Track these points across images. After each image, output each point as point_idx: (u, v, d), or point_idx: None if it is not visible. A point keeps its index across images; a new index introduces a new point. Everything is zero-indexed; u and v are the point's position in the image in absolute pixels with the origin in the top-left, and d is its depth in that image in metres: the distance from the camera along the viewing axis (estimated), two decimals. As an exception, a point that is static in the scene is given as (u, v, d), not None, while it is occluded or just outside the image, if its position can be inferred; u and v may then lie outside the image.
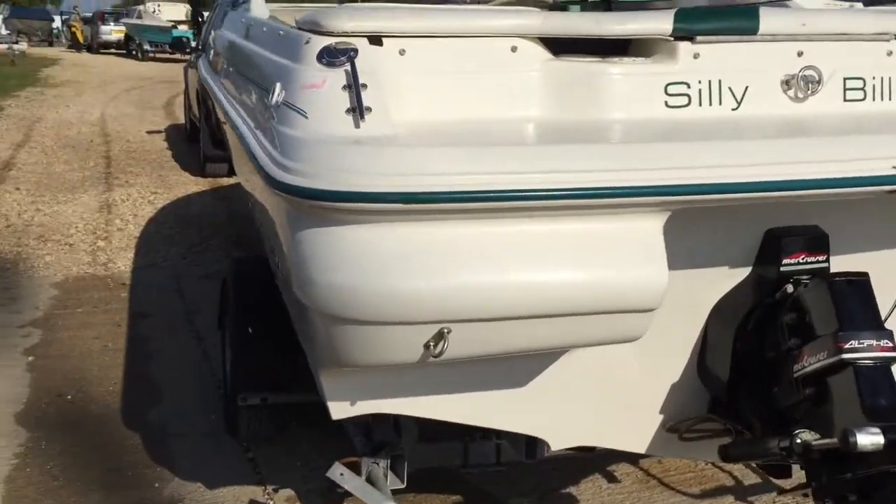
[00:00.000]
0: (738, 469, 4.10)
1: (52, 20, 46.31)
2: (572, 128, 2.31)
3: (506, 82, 2.36)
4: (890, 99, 2.61)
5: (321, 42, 2.23)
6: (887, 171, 2.09)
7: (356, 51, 2.20)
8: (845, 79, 2.55)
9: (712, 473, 4.13)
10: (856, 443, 2.04)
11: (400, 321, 1.97)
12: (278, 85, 2.30)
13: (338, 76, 2.13)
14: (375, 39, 2.25)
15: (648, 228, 2.05)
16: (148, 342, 5.52)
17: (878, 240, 2.69)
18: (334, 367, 2.23)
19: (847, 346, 2.21)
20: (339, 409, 2.44)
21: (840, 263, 2.69)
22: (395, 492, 3.10)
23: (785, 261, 2.52)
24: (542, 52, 2.41)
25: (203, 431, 4.34)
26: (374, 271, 1.92)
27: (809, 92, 2.50)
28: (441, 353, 1.98)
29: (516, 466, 3.60)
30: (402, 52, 2.28)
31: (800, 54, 2.50)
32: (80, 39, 39.70)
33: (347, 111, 2.05)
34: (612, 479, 4.07)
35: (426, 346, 1.98)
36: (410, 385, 2.42)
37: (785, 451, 2.23)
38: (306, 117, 2.09)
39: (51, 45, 43.05)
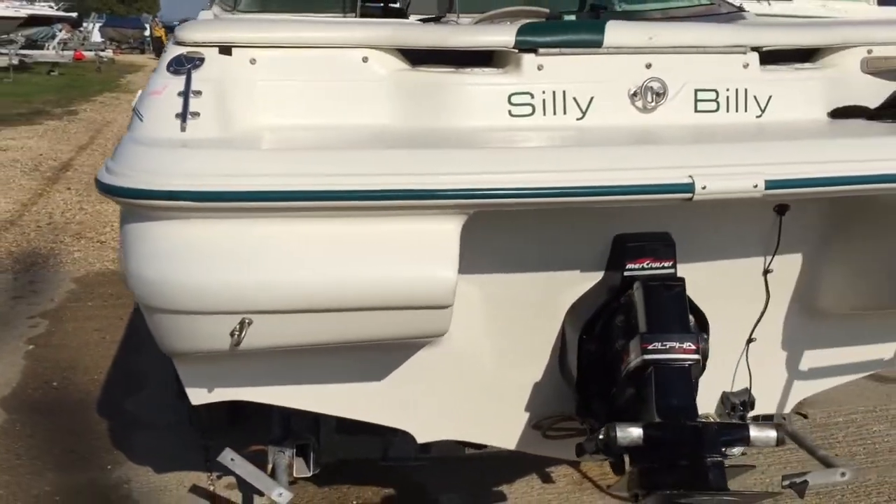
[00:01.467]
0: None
1: (145, 28, 48.14)
2: (414, 136, 2.43)
3: (355, 91, 2.49)
4: (746, 111, 2.65)
5: (176, 52, 2.41)
6: (680, 180, 2.15)
7: (202, 60, 2.37)
8: (696, 90, 2.60)
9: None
10: (615, 437, 2.12)
11: (202, 311, 2.13)
12: (139, 92, 2.49)
13: (177, 83, 2.30)
14: (225, 49, 2.42)
15: (442, 230, 2.15)
16: (144, 335, 5.79)
17: (733, 247, 2.74)
18: (171, 354, 2.41)
19: (650, 347, 2.27)
20: (197, 395, 2.61)
21: (695, 270, 2.75)
22: (308, 479, 3.24)
23: (629, 265, 2.59)
24: (395, 63, 2.53)
25: (170, 421, 4.57)
26: (176, 264, 2.09)
27: (656, 103, 2.56)
28: (240, 342, 2.13)
29: (448, 462, 3.72)
30: (252, 62, 2.44)
31: (648, 66, 2.57)
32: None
33: (176, 116, 2.22)
34: (546, 479, 4.15)
35: (231, 335, 2.14)
36: (265, 373, 2.57)
37: (600, 447, 2.30)
38: (142, 121, 2.28)
39: (142, 52, 44.93)
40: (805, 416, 4.83)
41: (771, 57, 2.73)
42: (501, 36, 2.51)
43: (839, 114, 2.70)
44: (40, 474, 4.04)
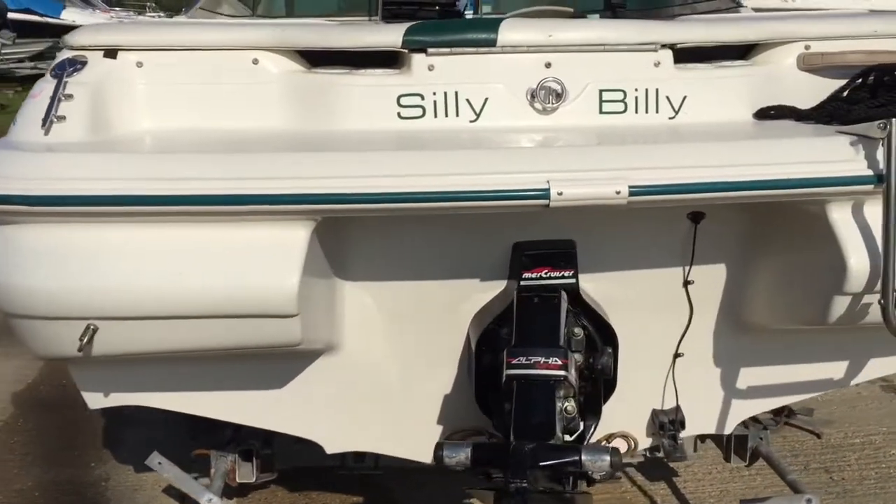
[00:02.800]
0: (662, 491, 3.96)
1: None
2: (296, 139, 2.38)
3: (244, 94, 2.46)
4: (657, 111, 2.49)
5: (63, 56, 2.44)
6: (535, 186, 2.03)
7: (84, 63, 2.38)
8: (601, 90, 2.46)
9: (633, 497, 3.99)
10: (441, 458, 2.01)
11: (47, 316, 2.13)
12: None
13: (51, 87, 2.32)
14: (110, 53, 2.42)
15: (285, 236, 2.09)
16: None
17: (649, 257, 2.58)
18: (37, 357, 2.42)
19: (514, 361, 2.16)
20: (94, 400, 2.62)
21: (608, 281, 2.61)
22: (276, 483, 3.20)
23: (525, 275, 2.47)
24: (288, 64, 2.49)
25: (164, 420, 4.62)
26: (17, 269, 2.09)
27: (556, 104, 2.44)
28: (87, 348, 2.12)
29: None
30: (139, 65, 2.44)
31: (548, 65, 2.44)
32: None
33: (43, 120, 2.24)
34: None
35: (80, 340, 2.13)
36: (159, 379, 2.55)
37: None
38: (16, 125, 2.30)
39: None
40: (819, 436, 4.54)
41: (697, 55, 2.56)
42: (389, 36, 2.43)
43: (765, 114, 2.51)
44: (27, 469, 4.17)
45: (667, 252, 2.56)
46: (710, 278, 2.60)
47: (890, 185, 2.09)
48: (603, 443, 2.69)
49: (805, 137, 2.29)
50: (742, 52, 2.65)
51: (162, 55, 2.46)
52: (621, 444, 2.76)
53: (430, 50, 2.42)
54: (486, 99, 2.44)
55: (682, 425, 2.77)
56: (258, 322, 2.11)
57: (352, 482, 3.94)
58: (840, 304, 2.25)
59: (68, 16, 19.40)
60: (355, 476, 3.81)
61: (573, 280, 2.48)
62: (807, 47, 2.59)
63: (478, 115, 2.44)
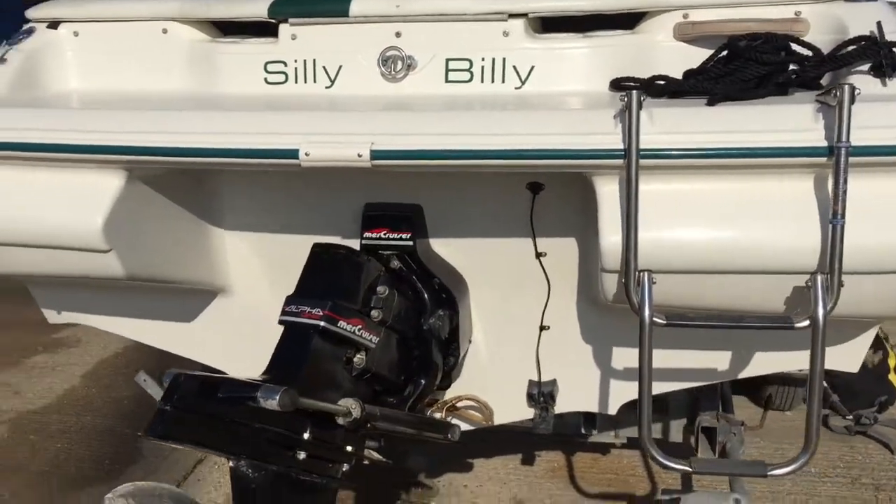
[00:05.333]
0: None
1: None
2: (179, 99, 2.66)
3: (154, 60, 2.79)
4: (503, 81, 2.47)
5: (22, 27, 2.91)
6: (285, 146, 2.15)
7: (29, 31, 2.84)
8: (448, 59, 2.49)
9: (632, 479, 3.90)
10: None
11: None
12: None
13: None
14: (53, 24, 2.86)
15: (99, 182, 2.39)
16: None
17: (498, 226, 2.58)
18: None
19: (287, 308, 2.29)
20: (50, 316, 3.11)
21: (459, 247, 2.66)
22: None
23: (365, 234, 2.59)
24: (194, 34, 2.78)
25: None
26: None
27: (405, 73, 2.51)
28: None
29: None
30: (76, 34, 2.85)
31: (398, 35, 2.51)
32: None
33: None
34: (526, 461, 4.08)
35: None
36: (99, 304, 2.97)
37: None
38: None
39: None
40: (892, 451, 4.09)
41: (577, 24, 2.50)
42: (257, 8, 2.63)
43: (617, 85, 2.40)
44: (61, 466, 4.23)
45: (514, 222, 2.54)
46: (562, 251, 2.54)
47: (630, 160, 1.98)
48: (448, 405, 2.74)
49: (579, 111, 2.23)
50: (632, 20, 2.54)
51: (94, 26, 2.85)
52: (472, 409, 2.79)
53: (292, 20, 2.60)
54: (341, 66, 2.58)
55: (552, 398, 2.73)
56: (82, 254, 2.44)
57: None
58: (608, 282, 2.15)
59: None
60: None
61: (410, 243, 2.56)
62: (685, 16, 2.43)
63: (332, 82, 2.59)
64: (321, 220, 2.70)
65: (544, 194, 2.48)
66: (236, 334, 2.96)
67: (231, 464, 2.11)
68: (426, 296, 2.56)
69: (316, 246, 2.44)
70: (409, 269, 2.57)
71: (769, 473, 2.13)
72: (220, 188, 2.72)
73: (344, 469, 2.31)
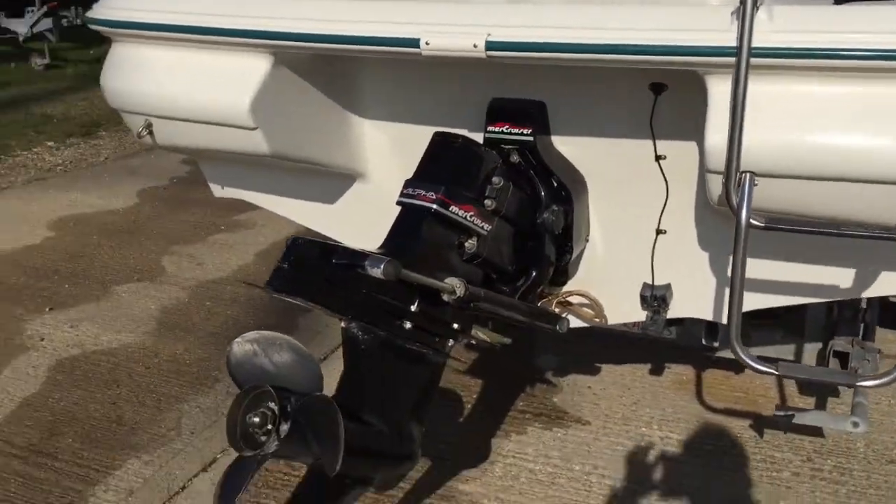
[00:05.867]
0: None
1: None
2: None
3: None
4: None
5: None
6: (407, 35, 2.25)
7: None
8: None
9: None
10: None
11: (124, 110, 2.92)
12: None
13: None
14: None
15: (251, 65, 2.58)
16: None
17: (619, 126, 2.60)
18: None
19: (405, 191, 2.44)
20: (216, 190, 3.43)
21: (580, 145, 2.71)
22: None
23: (489, 127, 2.69)
24: None
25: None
26: (110, 73, 2.89)
27: None
28: (145, 137, 2.87)
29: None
30: None
31: None
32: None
33: None
34: (655, 371, 4.13)
35: (143, 129, 2.88)
36: (257, 182, 3.27)
37: None
38: None
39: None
40: None
41: None
42: None
43: None
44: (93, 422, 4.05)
45: (636, 124, 2.56)
46: (682, 155, 2.53)
47: (741, 58, 1.96)
48: (559, 299, 2.84)
49: (684, 6, 2.17)
50: None
51: None
52: (584, 306, 2.87)
53: None
54: None
55: (664, 302, 2.77)
56: (232, 130, 2.68)
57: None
58: (711, 183, 2.15)
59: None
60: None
61: (530, 138, 2.64)
62: None
63: None
64: (452, 113, 2.83)
65: (667, 95, 2.48)
66: (371, 218, 3.16)
67: (343, 324, 2.33)
68: (542, 191, 2.65)
69: (436, 134, 2.56)
70: (528, 164, 2.66)
71: (858, 384, 2.11)
72: (360, 78, 2.90)
73: (450, 345, 2.49)
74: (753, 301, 2.59)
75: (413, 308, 2.30)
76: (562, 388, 4.02)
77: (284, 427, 2.05)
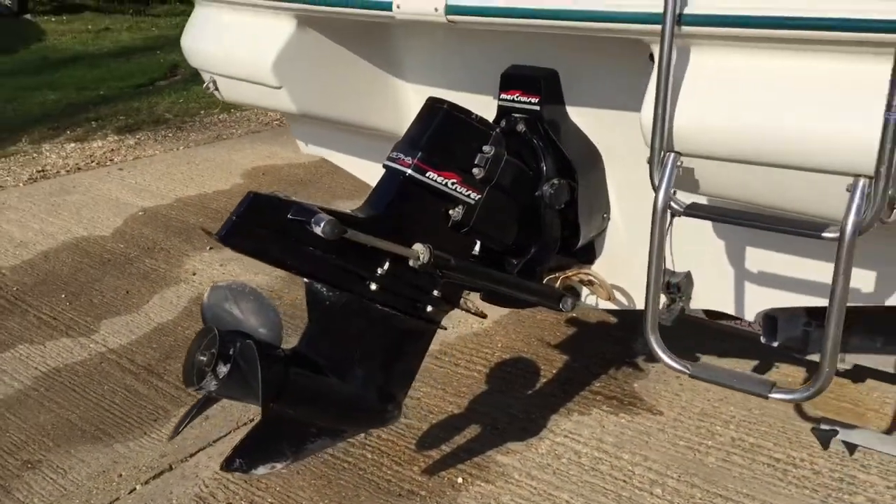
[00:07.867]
0: None
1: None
2: None
3: None
4: None
5: None
6: None
7: None
8: None
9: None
10: None
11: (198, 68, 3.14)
12: None
13: None
14: None
15: (277, 26, 2.66)
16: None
17: (626, 99, 2.43)
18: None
19: (390, 154, 2.43)
20: (301, 146, 3.58)
21: (593, 116, 2.58)
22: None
23: (502, 95, 2.62)
24: None
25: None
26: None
27: None
28: (214, 91, 3.07)
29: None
30: None
31: None
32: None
33: None
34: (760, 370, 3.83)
35: (211, 84, 3.08)
36: (334, 140, 3.41)
37: None
38: None
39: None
40: None
41: None
42: None
43: None
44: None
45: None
46: None
47: (665, 25, 1.77)
48: (562, 276, 2.70)
49: None
50: None
51: None
52: (591, 285, 2.71)
53: None
54: None
55: (680, 290, 2.56)
56: (262, 88, 2.80)
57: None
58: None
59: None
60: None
61: (536, 107, 2.54)
62: None
63: None
64: (480, 80, 2.79)
65: (666, 67, 2.29)
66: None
67: (305, 280, 2.40)
68: (543, 162, 2.55)
69: (429, 99, 2.55)
70: (533, 133, 2.57)
71: (771, 395, 1.87)
72: (396, 42, 2.92)
73: (428, 310, 2.49)
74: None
75: (379, 272, 2.33)
76: (647, 375, 3.83)
77: (224, 368, 2.19)
